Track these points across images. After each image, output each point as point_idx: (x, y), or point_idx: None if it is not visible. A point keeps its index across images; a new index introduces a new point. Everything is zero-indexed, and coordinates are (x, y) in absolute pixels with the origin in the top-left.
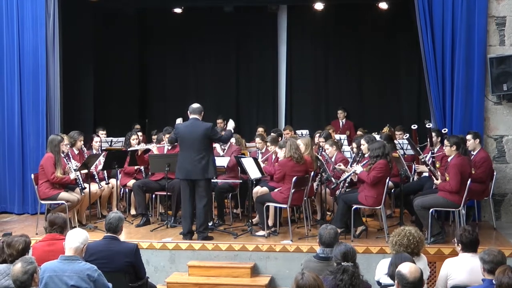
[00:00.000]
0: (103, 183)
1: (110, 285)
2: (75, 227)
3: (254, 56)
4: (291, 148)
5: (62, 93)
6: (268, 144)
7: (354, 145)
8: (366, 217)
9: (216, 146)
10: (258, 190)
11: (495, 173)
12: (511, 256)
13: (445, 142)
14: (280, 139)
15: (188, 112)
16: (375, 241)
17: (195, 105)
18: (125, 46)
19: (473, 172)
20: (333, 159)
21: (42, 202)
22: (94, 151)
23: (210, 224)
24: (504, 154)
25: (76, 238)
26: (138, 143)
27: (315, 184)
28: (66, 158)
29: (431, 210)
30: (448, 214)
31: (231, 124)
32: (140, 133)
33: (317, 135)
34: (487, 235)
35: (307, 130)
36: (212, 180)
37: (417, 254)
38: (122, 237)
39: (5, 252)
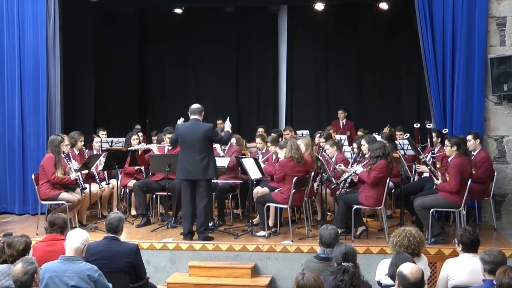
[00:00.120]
0: (103, 183)
1: (110, 285)
2: (75, 227)
3: (255, 56)
4: (292, 148)
5: (62, 94)
6: (269, 144)
7: (354, 145)
8: (366, 218)
9: (216, 146)
10: (258, 190)
11: (495, 174)
12: None
13: (446, 142)
14: (280, 140)
15: (189, 112)
16: (376, 242)
17: (195, 106)
18: (125, 46)
19: (473, 172)
20: (333, 160)
21: (43, 202)
22: (95, 152)
23: (210, 224)
24: (504, 154)
25: (76, 238)
26: (139, 143)
27: (315, 185)
28: (67, 158)
29: (431, 210)
30: (448, 215)
31: (227, 125)
32: (140, 134)
33: (318, 135)
34: (488, 236)
35: (308, 131)
36: (213, 181)
37: (417, 254)
38: (123, 237)
39: (5, 252)
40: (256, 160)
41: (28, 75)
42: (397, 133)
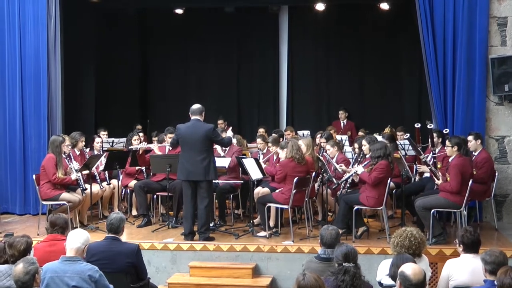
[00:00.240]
0: (104, 183)
1: (111, 286)
2: (76, 227)
3: (255, 56)
4: (293, 148)
5: (63, 94)
6: (270, 144)
7: (355, 145)
8: (367, 218)
9: (217, 146)
10: (259, 190)
11: (496, 174)
12: None
13: (446, 142)
14: (281, 140)
15: (190, 113)
16: (377, 242)
17: (196, 106)
18: (126, 47)
19: (474, 172)
20: (334, 160)
21: (44, 202)
22: (96, 152)
23: (211, 224)
24: (505, 154)
25: (77, 238)
26: (140, 144)
27: (316, 185)
28: (68, 158)
29: (432, 210)
30: (449, 215)
31: (230, 133)
32: (141, 134)
33: (319, 135)
34: (489, 236)
35: (308, 131)
36: (214, 181)
37: (418, 255)
38: (124, 237)
39: (6, 252)
40: (257, 161)
41: (29, 76)
42: (398, 133)
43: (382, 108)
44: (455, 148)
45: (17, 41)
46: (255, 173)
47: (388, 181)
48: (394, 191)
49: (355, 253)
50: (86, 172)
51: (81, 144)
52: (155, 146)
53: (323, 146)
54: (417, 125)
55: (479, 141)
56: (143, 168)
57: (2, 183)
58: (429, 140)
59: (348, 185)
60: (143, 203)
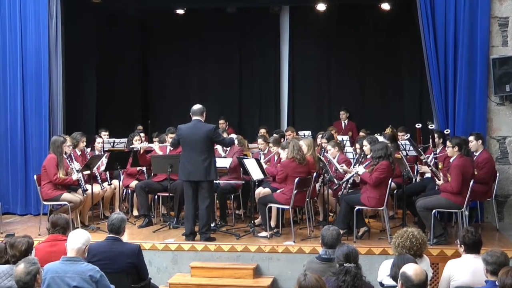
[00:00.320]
0: (105, 184)
1: (112, 286)
2: (77, 228)
3: (256, 56)
4: (294, 149)
5: (64, 94)
6: (271, 145)
7: (357, 146)
8: (368, 218)
9: (218, 147)
10: (260, 191)
11: (497, 174)
12: None
13: (447, 143)
14: (282, 140)
15: (191, 113)
16: (378, 242)
17: (197, 106)
18: (127, 47)
19: (475, 173)
20: (335, 160)
21: (45, 203)
22: (97, 152)
23: (212, 225)
24: (507, 155)
25: (77, 239)
26: None
27: (317, 185)
28: (69, 159)
29: (433, 211)
30: (450, 215)
31: (233, 136)
32: (142, 134)
33: (320, 136)
34: (490, 236)
35: (310, 131)
36: (215, 181)
37: (419, 255)
38: (125, 238)
39: (8, 253)
40: (258, 161)
41: (30, 76)
42: (399, 133)
43: (383, 109)
44: (456, 148)
45: (18, 41)
46: (256, 174)
47: (389, 181)
48: (395, 192)
49: (356, 253)
50: (87, 172)
51: (82, 144)
52: (156, 146)
53: (324, 147)
54: (418, 126)
55: (480, 141)
56: (144, 168)
57: (3, 183)
58: (430, 140)
59: (349, 185)
60: (144, 203)
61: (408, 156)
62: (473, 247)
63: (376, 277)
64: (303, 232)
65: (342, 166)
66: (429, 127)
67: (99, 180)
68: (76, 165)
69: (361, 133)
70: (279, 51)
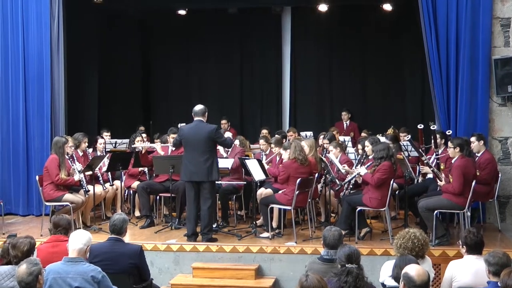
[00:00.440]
0: (107, 184)
1: (114, 287)
2: (79, 228)
3: (258, 57)
4: (296, 149)
5: (66, 95)
6: (272, 145)
7: (359, 146)
8: (370, 219)
9: (220, 147)
10: (262, 191)
11: (499, 175)
12: None
13: (449, 144)
14: (284, 141)
15: (192, 114)
16: (380, 243)
17: (199, 107)
18: (128, 48)
19: (478, 173)
20: (337, 161)
21: (47, 203)
22: (99, 153)
23: (214, 225)
24: (508, 155)
25: (79, 239)
26: None
27: (319, 186)
28: (71, 159)
29: (435, 212)
30: (452, 216)
31: (228, 134)
32: (144, 135)
33: (321, 136)
34: (492, 237)
35: (311, 132)
36: (217, 182)
37: (421, 256)
38: (127, 238)
39: (10, 253)
40: (259, 162)
41: (32, 77)
42: (401, 134)
43: (384, 109)
44: (457, 149)
45: (20, 42)
46: (258, 174)
47: (391, 182)
48: (397, 192)
49: (358, 254)
50: (89, 173)
51: (84, 145)
52: (158, 146)
53: (326, 147)
54: (420, 126)
55: (482, 142)
56: (146, 169)
57: (5, 184)
58: (432, 141)
59: (351, 186)
60: (146, 204)
61: (410, 157)
62: (475, 248)
63: (378, 278)
64: (305, 233)
65: (344, 167)
66: (431, 127)
67: (101, 181)
68: (78, 166)
69: (363, 134)
70: (280, 51)
